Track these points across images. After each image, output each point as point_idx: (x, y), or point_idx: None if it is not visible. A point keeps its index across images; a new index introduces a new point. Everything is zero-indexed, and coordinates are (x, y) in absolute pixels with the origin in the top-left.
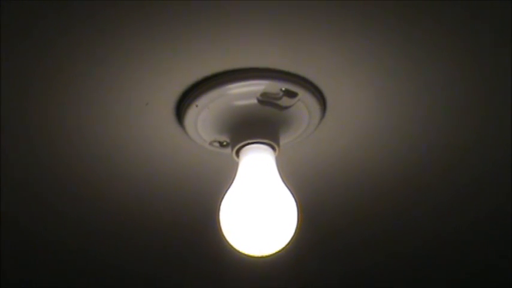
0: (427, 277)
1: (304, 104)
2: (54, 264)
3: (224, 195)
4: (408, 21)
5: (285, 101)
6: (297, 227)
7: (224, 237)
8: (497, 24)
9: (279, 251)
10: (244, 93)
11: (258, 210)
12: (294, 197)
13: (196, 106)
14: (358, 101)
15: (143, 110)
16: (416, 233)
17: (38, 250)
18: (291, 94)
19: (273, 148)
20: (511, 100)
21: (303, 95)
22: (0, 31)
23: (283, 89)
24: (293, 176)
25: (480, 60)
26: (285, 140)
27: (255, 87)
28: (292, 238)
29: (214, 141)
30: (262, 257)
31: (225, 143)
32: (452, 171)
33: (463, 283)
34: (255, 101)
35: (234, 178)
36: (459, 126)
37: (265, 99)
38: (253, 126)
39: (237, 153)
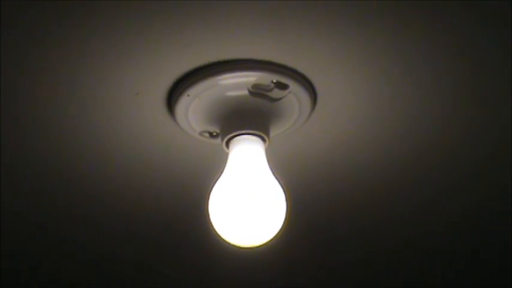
0: (418, 269)
1: (295, 96)
2: (44, 254)
3: (213, 186)
4: (400, 15)
5: (276, 92)
6: (285, 219)
7: (213, 227)
8: (489, 25)
9: (268, 242)
10: (235, 84)
11: (247, 201)
12: (283, 188)
13: (188, 96)
14: (348, 94)
15: (133, 99)
16: (406, 225)
17: (29, 238)
18: (282, 86)
19: (263, 139)
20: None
21: (294, 87)
22: None
23: (275, 80)
24: (282, 168)
25: (472, 55)
26: (275, 131)
27: (247, 78)
28: (280, 229)
29: (205, 131)
30: (251, 248)
31: (215, 134)
32: (442, 165)
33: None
34: (246, 92)
35: (223, 169)
36: (450, 121)
37: (257, 90)
38: (243, 117)
39: (227, 144)
